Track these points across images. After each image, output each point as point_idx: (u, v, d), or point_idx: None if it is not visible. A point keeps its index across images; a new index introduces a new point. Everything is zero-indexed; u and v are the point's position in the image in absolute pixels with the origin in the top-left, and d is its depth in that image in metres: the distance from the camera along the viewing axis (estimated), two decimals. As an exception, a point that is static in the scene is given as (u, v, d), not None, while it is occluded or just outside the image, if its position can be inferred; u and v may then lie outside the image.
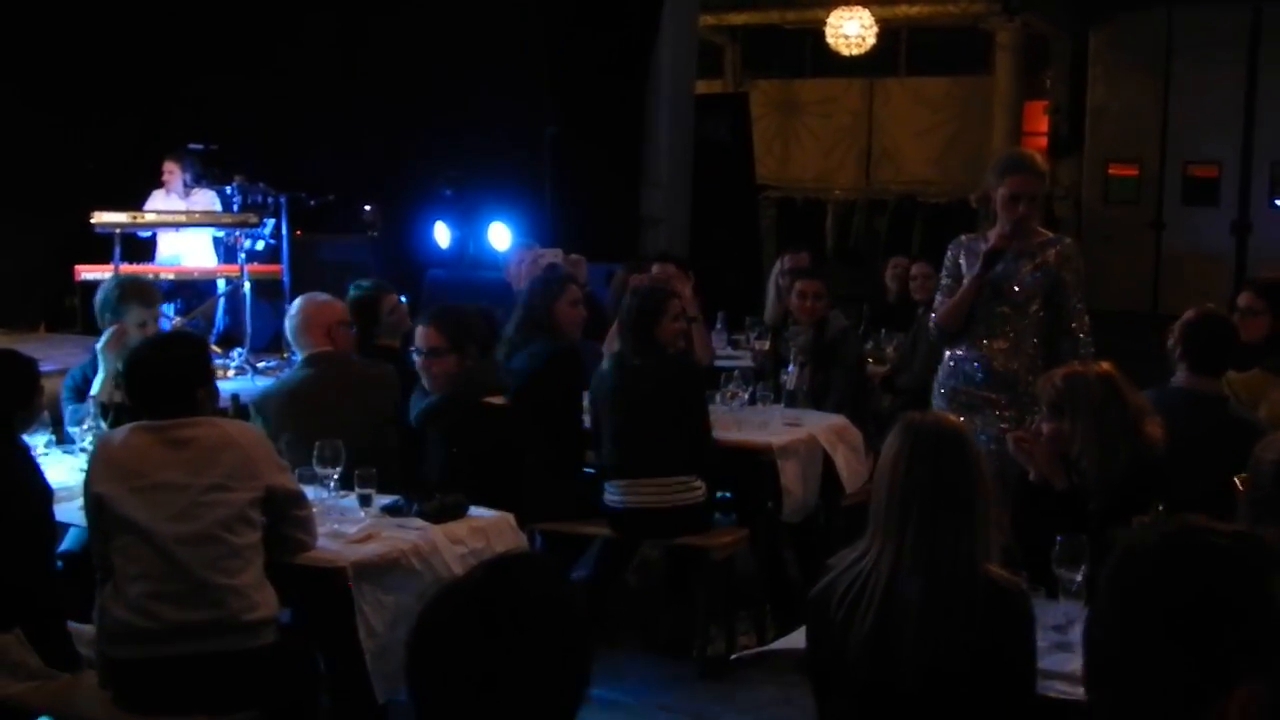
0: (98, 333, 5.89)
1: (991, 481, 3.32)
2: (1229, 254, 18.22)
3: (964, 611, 3.14)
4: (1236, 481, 3.41)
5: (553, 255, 8.14)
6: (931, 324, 5.93)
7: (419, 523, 4.66)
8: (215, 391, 4.42)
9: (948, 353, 5.85)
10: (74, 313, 10.25)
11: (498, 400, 5.63)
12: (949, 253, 5.87)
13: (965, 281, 5.68)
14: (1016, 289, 5.65)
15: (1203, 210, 18.57)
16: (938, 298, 5.90)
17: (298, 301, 5.69)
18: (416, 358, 5.64)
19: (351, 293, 6.29)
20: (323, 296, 5.75)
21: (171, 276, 10.05)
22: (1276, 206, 17.55)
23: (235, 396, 6.78)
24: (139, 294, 5.89)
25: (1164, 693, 1.76)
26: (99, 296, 5.89)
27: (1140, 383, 4.47)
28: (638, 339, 6.12)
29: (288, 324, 5.65)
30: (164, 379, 4.25)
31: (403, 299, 6.51)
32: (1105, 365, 4.29)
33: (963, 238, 5.87)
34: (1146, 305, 18.18)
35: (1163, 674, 1.76)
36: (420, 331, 5.64)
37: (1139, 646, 1.78)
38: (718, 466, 6.17)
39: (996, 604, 3.18)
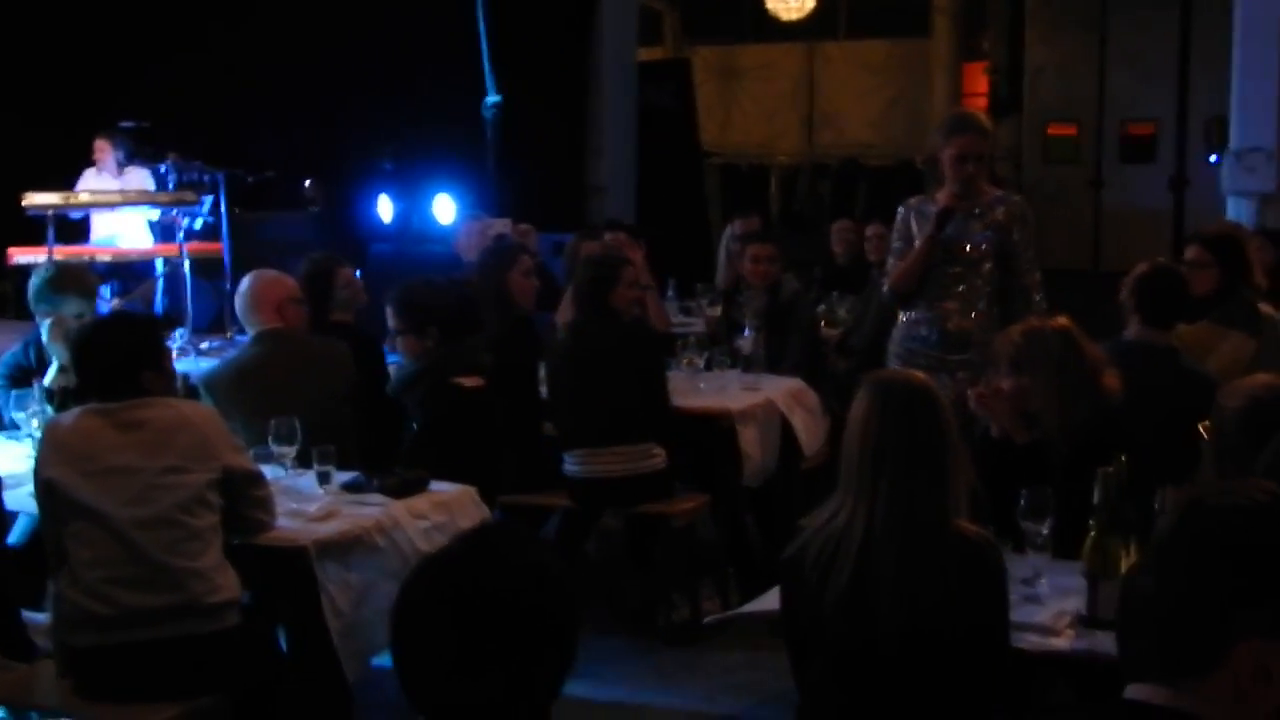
0: (31, 318, 5.76)
1: (959, 437, 3.31)
2: (1167, 210, 18.33)
3: (938, 567, 3.14)
4: (1201, 430, 3.41)
5: (502, 225, 8.08)
6: (885, 287, 5.93)
7: (380, 498, 4.60)
8: (169, 373, 4.32)
9: (902, 315, 5.86)
10: (5, 298, 10.08)
11: (471, 381, 5.59)
12: (899, 215, 5.87)
13: (917, 243, 5.69)
14: (968, 248, 5.68)
15: (1141, 168, 18.70)
16: (889, 261, 5.91)
17: (247, 278, 5.60)
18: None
19: (304, 267, 6.20)
20: (272, 273, 5.67)
21: (108, 258, 9.88)
22: (1212, 163, 17.65)
23: (185, 377, 6.67)
24: (76, 284, 5.74)
25: (1204, 645, 1.77)
26: (33, 284, 5.73)
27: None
28: (593, 307, 6.08)
29: (237, 301, 5.57)
30: (109, 362, 4.16)
31: (357, 273, 6.43)
32: (1062, 319, 4.30)
33: (912, 200, 5.86)
34: (1088, 263, 18.32)
35: (1211, 628, 1.77)
36: (388, 310, 5.66)
37: (1197, 602, 1.78)
38: (677, 433, 6.14)
39: (969, 558, 3.18)
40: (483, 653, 1.99)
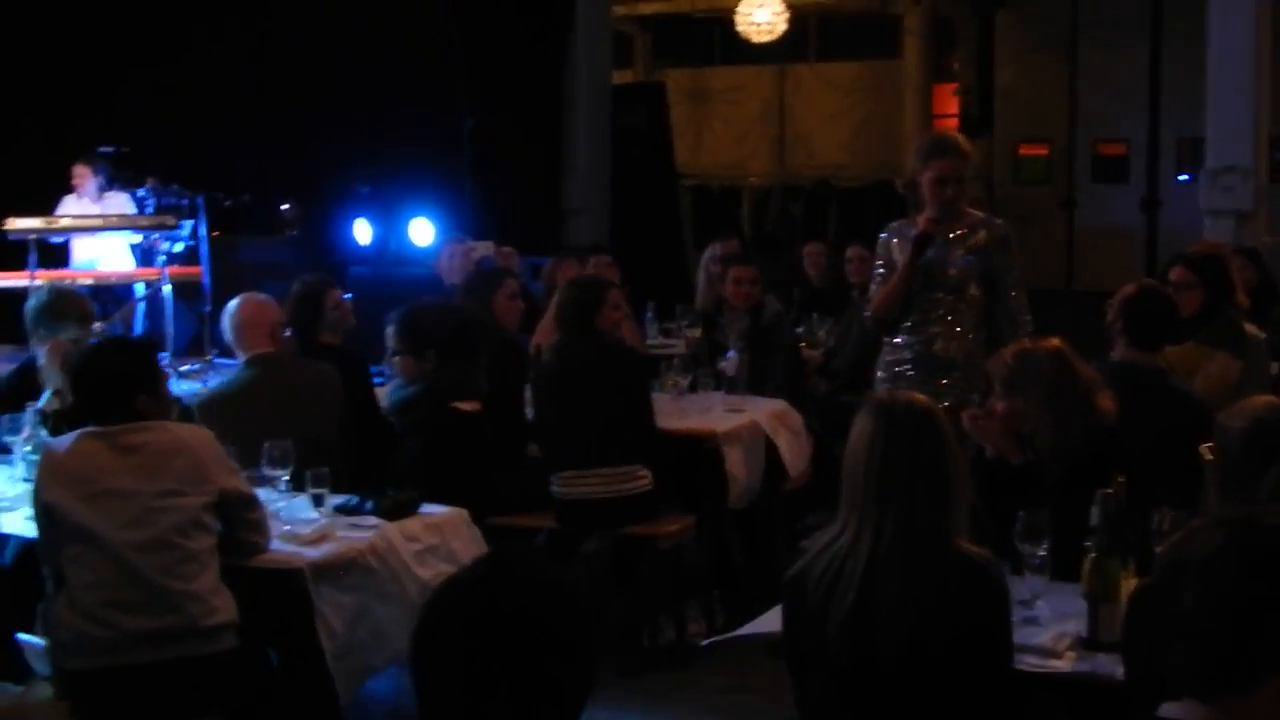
0: (14, 341, 5.76)
1: (962, 457, 3.34)
2: (1140, 230, 18.43)
3: (941, 588, 3.16)
4: (1203, 452, 3.44)
5: (484, 248, 8.10)
6: (867, 313, 5.88)
7: (373, 521, 4.61)
8: (165, 397, 4.32)
9: (886, 341, 5.83)
10: (-15, 322, 10.06)
11: (468, 406, 5.59)
12: (881, 240, 5.82)
13: (898, 268, 5.65)
14: (951, 272, 5.64)
15: (1113, 188, 18.83)
16: (872, 286, 5.87)
17: (235, 302, 5.60)
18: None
19: (295, 288, 6.21)
20: (261, 297, 5.69)
21: (89, 282, 9.82)
22: (1184, 182, 17.79)
23: (177, 399, 6.67)
24: (75, 310, 5.76)
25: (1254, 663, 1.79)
26: (30, 308, 5.75)
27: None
28: (578, 329, 6.09)
29: (226, 325, 5.56)
30: (103, 385, 4.19)
31: (347, 296, 6.42)
32: (1055, 341, 4.32)
33: (894, 225, 5.81)
34: (1060, 282, 18.42)
35: (1259, 652, 1.79)
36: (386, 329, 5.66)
37: (1244, 624, 1.81)
38: (662, 455, 6.15)
39: (971, 578, 3.20)
40: (503, 674, 2.00)
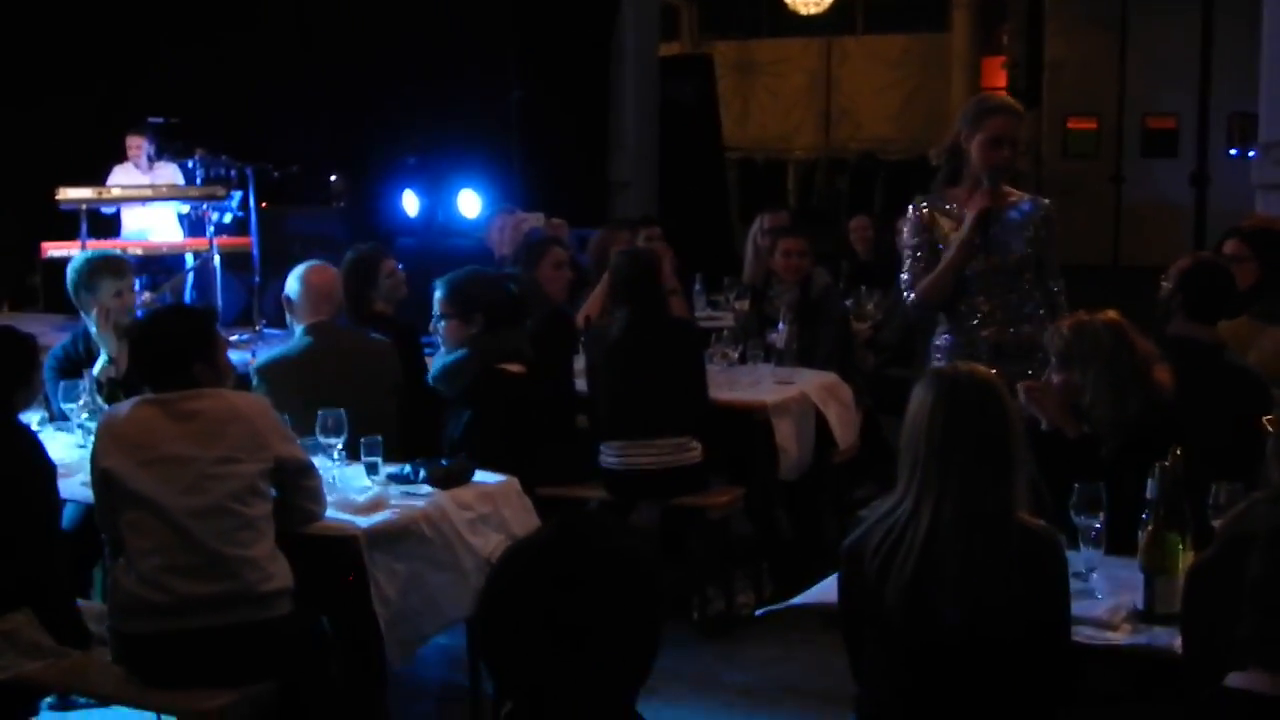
0: (62, 310, 5.81)
1: (1023, 430, 3.33)
2: (1188, 205, 18.26)
3: (1002, 561, 3.15)
4: (1265, 424, 3.41)
5: (534, 220, 8.11)
6: (909, 297, 5.23)
7: (427, 489, 4.64)
8: (222, 365, 4.34)
9: (944, 334, 5.24)
10: (35, 291, 10.16)
11: (515, 368, 5.62)
12: (912, 214, 5.22)
13: (953, 248, 5.07)
14: (1011, 257, 5.10)
15: (1161, 162, 18.71)
16: (906, 264, 5.22)
17: (300, 269, 5.63)
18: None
19: (349, 256, 6.25)
20: (323, 264, 5.73)
21: (140, 252, 9.93)
22: (1234, 156, 17.63)
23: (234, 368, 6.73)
24: (108, 268, 5.80)
25: None
26: (70, 279, 5.80)
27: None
28: (641, 301, 6.09)
29: (290, 291, 5.59)
30: (161, 353, 4.22)
31: (399, 266, 6.45)
32: (1112, 313, 4.29)
33: (923, 199, 5.22)
34: (1108, 258, 18.33)
35: None
36: (435, 296, 5.73)
37: None
38: (713, 426, 6.16)
39: (1032, 550, 3.19)
40: (568, 636, 2.03)
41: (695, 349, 6.22)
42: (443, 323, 5.68)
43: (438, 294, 5.72)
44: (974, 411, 3.21)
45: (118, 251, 7.99)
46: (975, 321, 5.15)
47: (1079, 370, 4.13)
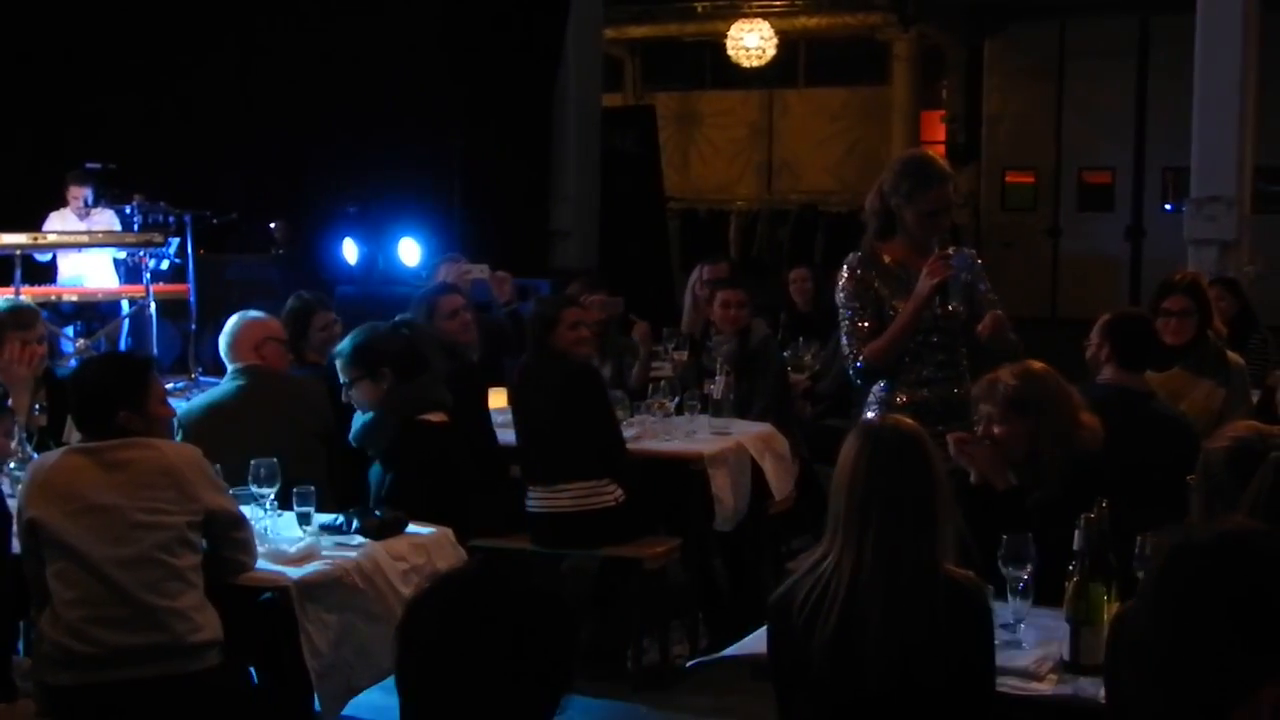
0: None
1: (948, 483, 3.35)
2: (1124, 258, 18.60)
3: (926, 612, 3.17)
4: (1189, 481, 3.45)
5: (479, 271, 8.10)
6: (853, 362, 5.06)
7: (359, 540, 4.61)
8: (153, 414, 4.29)
9: (879, 393, 5.10)
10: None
11: (436, 417, 5.58)
12: (849, 275, 5.04)
13: (906, 314, 4.92)
14: (950, 308, 4.98)
15: (1098, 216, 18.96)
16: (846, 328, 5.05)
17: (233, 318, 5.62)
18: None
19: (288, 304, 6.23)
20: (255, 313, 5.72)
21: (75, 298, 9.89)
22: (1168, 211, 17.90)
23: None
24: (12, 319, 5.69)
25: (1211, 688, 1.79)
26: None
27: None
28: (535, 348, 6.23)
29: (221, 340, 5.57)
30: (87, 400, 4.22)
31: (336, 319, 6.42)
32: (1038, 363, 4.33)
33: (855, 258, 5.07)
34: (1045, 310, 18.50)
35: (1214, 669, 1.79)
36: (336, 365, 5.61)
37: (1195, 642, 1.81)
38: (637, 474, 6.17)
39: (957, 602, 3.20)
40: (482, 672, 2.06)
41: (594, 390, 6.21)
42: (353, 389, 5.55)
43: (339, 361, 5.53)
44: (894, 464, 3.23)
45: (27, 301, 7.88)
46: (918, 379, 5.05)
47: (1031, 418, 4.15)
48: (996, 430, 4.16)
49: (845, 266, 5.10)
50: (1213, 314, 6.08)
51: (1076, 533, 3.55)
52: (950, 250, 5.02)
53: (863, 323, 5.00)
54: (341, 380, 5.57)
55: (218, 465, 4.37)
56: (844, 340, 5.11)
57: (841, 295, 5.07)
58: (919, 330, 4.97)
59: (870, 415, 5.03)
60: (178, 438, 5.13)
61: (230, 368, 5.56)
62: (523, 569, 2.22)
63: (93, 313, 10.10)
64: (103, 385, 4.22)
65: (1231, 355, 6.01)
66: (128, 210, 10.29)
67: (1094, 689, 3.31)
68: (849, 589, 3.19)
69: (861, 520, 3.22)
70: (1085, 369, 5.21)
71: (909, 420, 3.47)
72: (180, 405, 6.29)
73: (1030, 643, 3.62)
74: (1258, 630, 1.83)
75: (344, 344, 5.61)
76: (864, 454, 3.25)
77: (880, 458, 3.24)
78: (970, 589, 3.25)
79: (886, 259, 5.04)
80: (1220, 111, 10.74)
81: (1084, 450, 4.17)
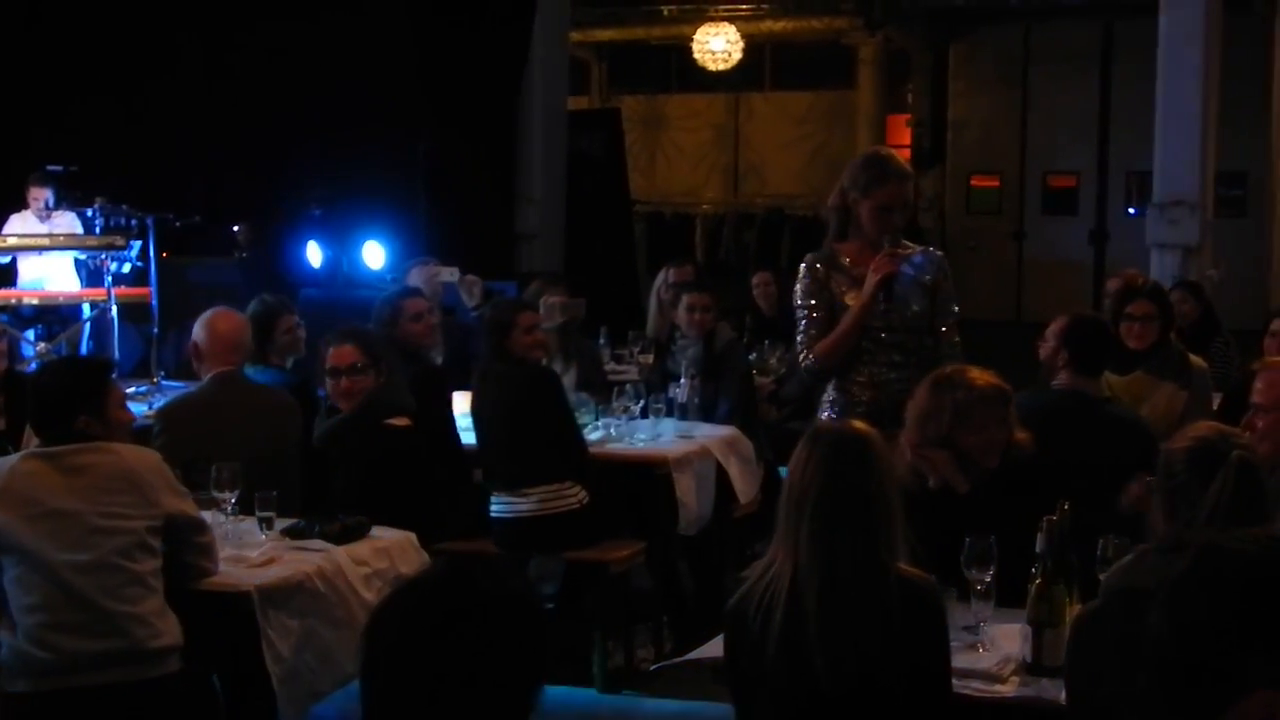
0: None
1: (895, 483, 3.35)
2: (1088, 261, 18.70)
3: (874, 611, 3.17)
4: (1148, 482, 3.47)
5: (448, 274, 8.07)
6: (804, 361, 5.13)
7: (321, 545, 4.59)
8: (113, 419, 4.26)
9: (832, 390, 5.14)
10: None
11: (401, 421, 5.57)
12: (804, 273, 5.10)
13: (853, 311, 4.96)
14: (907, 314, 5.03)
15: (1062, 219, 19.06)
16: (801, 326, 5.11)
17: (207, 316, 5.59)
18: (332, 378, 5.61)
19: (251, 307, 6.19)
20: (231, 311, 5.69)
21: (35, 301, 9.80)
22: (1132, 215, 18.01)
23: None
24: None
25: (1213, 689, 1.80)
26: None
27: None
28: (491, 352, 6.18)
29: (198, 338, 5.53)
30: (45, 404, 4.18)
31: (299, 322, 6.39)
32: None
33: (814, 256, 5.13)
34: (1010, 314, 18.60)
35: (1228, 675, 1.80)
36: (339, 350, 5.61)
37: (1214, 647, 1.82)
38: (598, 476, 6.16)
39: (911, 602, 3.21)
40: (450, 676, 2.03)
41: (551, 393, 6.17)
42: (354, 375, 5.58)
43: (349, 348, 5.61)
44: (825, 465, 3.25)
45: (29, 308, 7.85)
46: (857, 384, 5.07)
47: (979, 421, 4.16)
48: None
49: (803, 265, 5.15)
50: (1174, 318, 6.13)
51: (1039, 535, 3.56)
52: (900, 248, 5.05)
53: (816, 321, 5.05)
54: (341, 367, 5.60)
55: (178, 471, 4.34)
56: (798, 339, 5.16)
57: (798, 294, 5.11)
58: (869, 329, 4.99)
59: (824, 416, 5.11)
60: (157, 433, 5.18)
61: (205, 372, 5.52)
62: (491, 570, 2.19)
63: (54, 316, 10.01)
64: (62, 389, 4.19)
65: (1194, 359, 6.04)
66: (89, 213, 10.20)
67: (1056, 690, 3.33)
68: (789, 589, 3.21)
69: (795, 521, 3.24)
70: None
71: (859, 423, 3.48)
72: (143, 411, 6.29)
73: (992, 645, 3.63)
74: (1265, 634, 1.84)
75: (354, 334, 5.67)
76: (801, 456, 3.28)
77: (814, 458, 3.27)
78: (924, 588, 3.27)
79: (845, 259, 5.07)
80: (1182, 116, 10.82)
81: (1026, 453, 4.19)
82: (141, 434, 5.14)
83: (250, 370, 5.75)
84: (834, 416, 5.05)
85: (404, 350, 6.44)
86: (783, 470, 6.92)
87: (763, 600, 3.25)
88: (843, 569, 3.20)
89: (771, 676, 3.23)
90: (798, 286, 5.13)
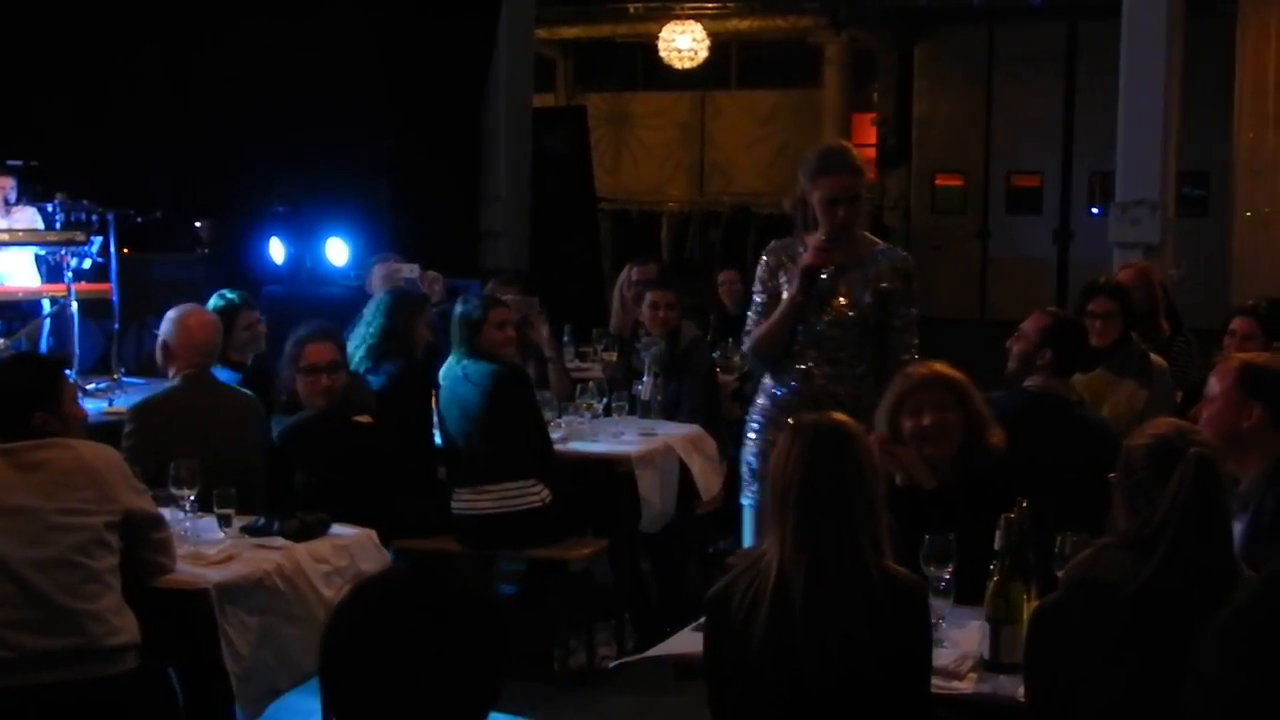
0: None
1: (876, 474, 3.36)
2: (1052, 260, 18.78)
3: (857, 607, 3.18)
4: (1111, 480, 3.48)
5: (409, 270, 8.06)
6: (746, 347, 5.33)
7: (281, 542, 4.57)
8: (68, 415, 4.23)
9: (766, 377, 5.26)
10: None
11: (363, 419, 5.57)
12: (763, 262, 5.19)
13: (783, 304, 5.04)
14: (842, 303, 5.06)
15: (1026, 219, 19.13)
16: (750, 315, 5.23)
17: (177, 313, 5.56)
18: (310, 375, 5.63)
19: (213, 302, 6.17)
20: (201, 309, 5.68)
21: (-6, 297, 9.73)
22: (1096, 215, 18.09)
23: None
24: None
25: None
26: None
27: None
28: (460, 348, 6.17)
29: (166, 335, 5.49)
30: (0, 401, 4.13)
31: (261, 318, 6.37)
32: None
33: (775, 245, 5.22)
34: (974, 312, 18.66)
35: None
36: (318, 347, 5.64)
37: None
38: (564, 474, 6.14)
39: (897, 598, 3.23)
40: (410, 674, 2.04)
41: (519, 391, 6.16)
42: (332, 373, 5.60)
43: (327, 345, 5.66)
44: (806, 458, 3.26)
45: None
46: (791, 374, 5.13)
47: (955, 414, 4.17)
48: (927, 422, 4.16)
49: (764, 253, 5.25)
50: (1134, 315, 6.15)
51: (997, 533, 3.57)
52: (865, 243, 5.13)
53: (760, 308, 5.16)
54: (320, 364, 5.64)
55: (137, 469, 4.32)
56: (745, 326, 5.27)
57: (756, 280, 5.23)
58: (810, 320, 5.05)
59: (758, 403, 5.24)
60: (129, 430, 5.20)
61: (172, 370, 5.50)
62: (451, 568, 2.21)
63: (13, 312, 9.93)
64: (17, 386, 4.16)
65: (1155, 357, 6.07)
66: (50, 208, 10.11)
67: (1013, 687, 3.35)
68: (776, 581, 3.21)
69: (781, 514, 3.25)
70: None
71: (843, 416, 3.48)
72: (102, 407, 6.25)
73: (951, 641, 3.64)
74: None
75: (330, 333, 5.68)
76: (798, 450, 3.28)
77: (814, 453, 3.27)
78: (911, 586, 3.30)
79: (802, 250, 5.10)
80: (1145, 116, 10.86)
81: (998, 451, 4.21)
82: (103, 430, 5.11)
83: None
84: (765, 404, 5.18)
85: (406, 347, 6.43)
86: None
87: (748, 591, 3.26)
88: (827, 562, 3.21)
89: (754, 667, 3.24)
90: (756, 274, 5.25)
